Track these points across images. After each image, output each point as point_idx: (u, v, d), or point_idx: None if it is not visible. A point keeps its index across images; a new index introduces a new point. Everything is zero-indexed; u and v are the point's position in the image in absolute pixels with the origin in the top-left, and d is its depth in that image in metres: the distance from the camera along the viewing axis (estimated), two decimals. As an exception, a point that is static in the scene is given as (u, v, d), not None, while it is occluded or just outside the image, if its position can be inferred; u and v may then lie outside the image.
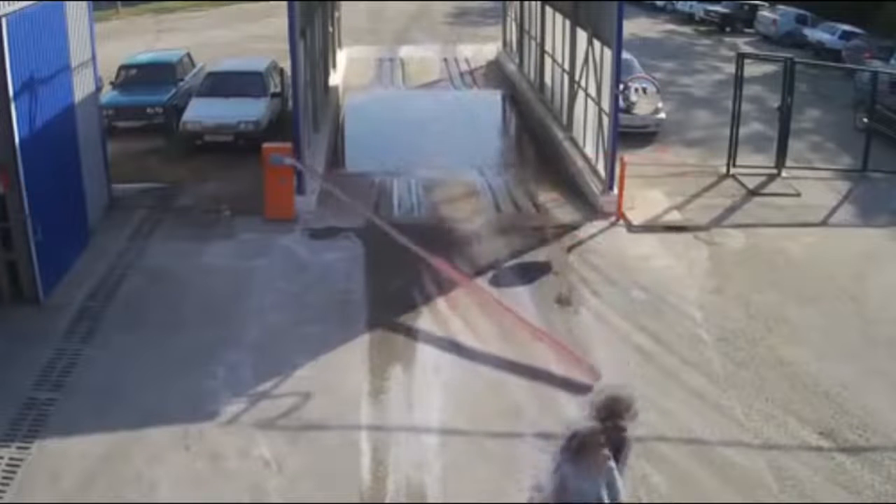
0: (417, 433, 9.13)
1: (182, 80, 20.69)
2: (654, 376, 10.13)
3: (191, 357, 10.26)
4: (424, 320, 11.38)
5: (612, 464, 6.07)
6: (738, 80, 17.05)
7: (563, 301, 11.94)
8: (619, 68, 14.87)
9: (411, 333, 11.05)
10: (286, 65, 16.25)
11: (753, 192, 16.01)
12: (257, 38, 30.94)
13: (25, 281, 11.41)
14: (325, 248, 13.49)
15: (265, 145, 14.62)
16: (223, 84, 19.17)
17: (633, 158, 16.09)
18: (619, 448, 6.15)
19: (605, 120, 15.46)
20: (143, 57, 22.10)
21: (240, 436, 8.96)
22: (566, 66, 19.05)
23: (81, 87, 13.70)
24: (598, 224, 14.50)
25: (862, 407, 9.52)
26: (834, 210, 15.33)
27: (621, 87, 15.39)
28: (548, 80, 21.83)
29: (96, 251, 13.19)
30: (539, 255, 13.41)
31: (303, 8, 16.09)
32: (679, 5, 42.40)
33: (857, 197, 15.95)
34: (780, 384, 9.97)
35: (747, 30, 36.81)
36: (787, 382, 10.01)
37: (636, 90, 19.65)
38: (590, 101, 16.94)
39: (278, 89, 19.41)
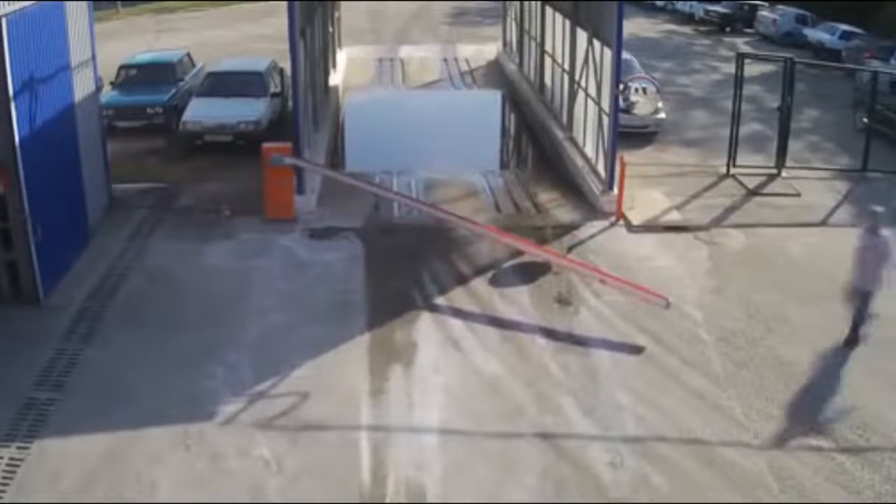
0: (417, 433, 9.14)
1: (182, 80, 20.70)
2: (654, 376, 10.14)
3: (190, 357, 10.26)
4: (424, 320, 11.38)
5: None
6: (738, 80, 17.05)
7: (563, 301, 11.94)
8: (619, 68, 14.87)
9: (411, 333, 11.05)
10: (286, 65, 16.25)
11: (753, 192, 16.01)
12: (257, 38, 30.96)
13: (25, 281, 11.41)
14: (325, 248, 13.49)
15: (265, 145, 14.61)
16: (223, 84, 19.18)
17: (633, 158, 16.09)
18: None
19: (605, 120, 15.47)
20: (143, 57, 22.10)
21: (240, 436, 8.96)
22: (566, 66, 19.05)
23: (81, 87, 13.70)
24: (598, 224, 14.50)
25: (862, 407, 9.53)
26: (834, 210, 15.33)
27: (621, 87, 15.39)
28: (548, 80, 21.83)
29: (96, 251, 13.19)
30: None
31: (303, 8, 16.10)
32: (679, 5, 42.41)
33: (856, 197, 15.94)
34: (780, 384, 9.98)
35: (747, 30, 36.81)
36: (787, 382, 10.01)
37: (636, 90, 19.66)
38: (590, 101, 16.94)
39: (278, 89, 19.41)
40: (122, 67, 20.70)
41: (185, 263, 12.83)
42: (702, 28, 38.24)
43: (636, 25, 34.35)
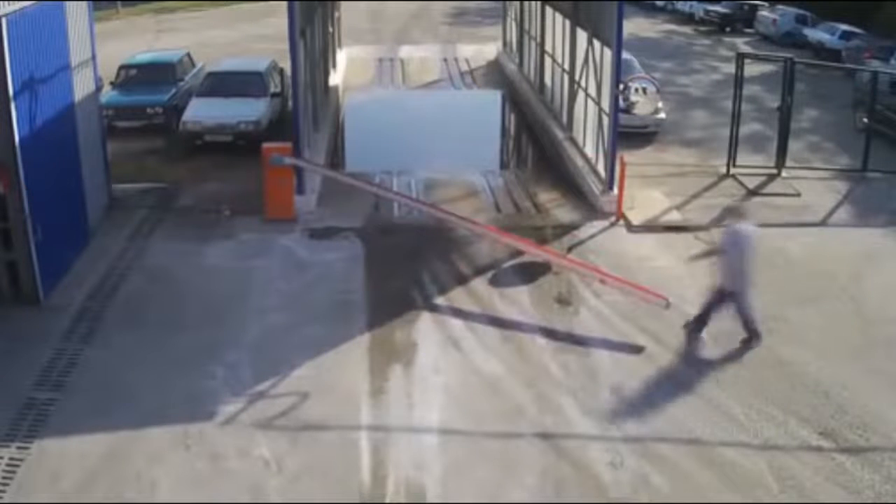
0: (417, 433, 9.14)
1: (182, 80, 20.70)
2: (654, 376, 10.14)
3: (190, 357, 10.26)
4: (424, 320, 11.38)
5: None
6: (738, 80, 17.05)
7: (563, 301, 11.94)
8: (619, 68, 14.88)
9: (411, 333, 11.05)
10: (286, 65, 16.25)
11: (753, 192, 16.01)
12: (257, 38, 30.97)
13: (25, 281, 11.41)
14: (325, 248, 13.49)
15: (265, 145, 14.62)
16: (223, 84, 19.18)
17: (633, 158, 16.09)
18: None
19: (605, 120, 15.47)
20: (143, 57, 22.11)
21: (240, 436, 8.96)
22: (566, 66, 19.05)
23: (81, 87, 13.70)
24: (598, 224, 14.50)
25: (862, 407, 9.53)
26: (833, 210, 15.33)
27: (621, 87, 15.39)
28: (548, 80, 21.84)
29: (96, 251, 13.19)
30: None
31: (303, 8, 16.10)
32: (679, 5, 42.42)
33: (856, 197, 15.96)
34: (780, 384, 9.98)
35: (747, 30, 36.82)
36: (787, 382, 10.01)
37: (636, 90, 19.66)
38: (590, 101, 16.94)
39: (278, 89, 19.42)
40: (122, 67, 20.71)
41: (185, 263, 12.83)
42: (702, 28, 38.25)
43: (636, 25, 34.36)
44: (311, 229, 14.09)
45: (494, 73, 28.26)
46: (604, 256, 13.29)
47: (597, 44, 16.39)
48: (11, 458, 8.51)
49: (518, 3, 26.96)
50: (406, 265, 12.91)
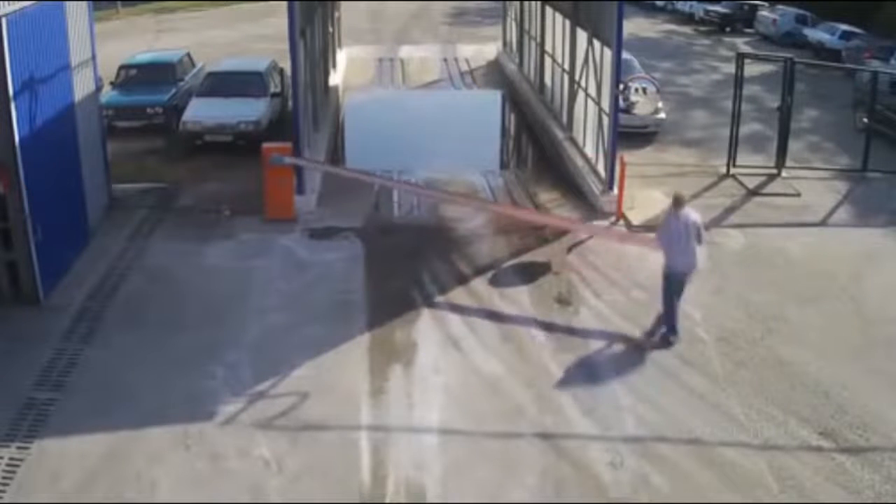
0: (417, 433, 9.14)
1: (182, 80, 20.70)
2: (654, 376, 10.14)
3: (190, 357, 10.26)
4: (424, 320, 11.38)
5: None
6: (738, 80, 17.05)
7: (563, 301, 11.94)
8: (619, 68, 14.87)
9: (411, 333, 11.05)
10: (286, 65, 16.25)
11: (753, 192, 16.01)
12: (257, 38, 30.97)
13: (25, 281, 11.41)
14: (325, 247, 13.49)
15: (265, 145, 14.62)
16: (223, 84, 19.18)
17: (633, 158, 16.09)
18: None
19: (605, 120, 15.47)
20: (143, 57, 22.11)
21: (240, 436, 8.96)
22: (566, 66, 19.05)
23: (81, 87, 13.70)
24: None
25: (862, 407, 9.53)
26: (833, 210, 15.33)
27: (621, 87, 15.39)
28: (548, 80, 21.83)
29: (96, 251, 13.19)
30: (539, 255, 13.41)
31: (303, 8, 16.10)
32: (679, 5, 42.41)
33: (856, 197, 15.96)
34: (780, 384, 9.98)
35: (747, 30, 36.81)
36: (787, 382, 10.02)
37: (636, 90, 19.66)
38: (590, 101, 16.94)
39: (278, 89, 19.42)
40: (122, 67, 20.71)
41: (185, 263, 12.83)
42: (702, 28, 38.24)
43: (636, 25, 34.36)
44: (311, 229, 14.09)
45: (494, 73, 28.26)
46: (604, 256, 13.29)
47: (597, 44, 16.39)
48: (11, 458, 8.52)
49: (518, 3, 26.96)
50: (406, 265, 12.91)
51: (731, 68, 19.49)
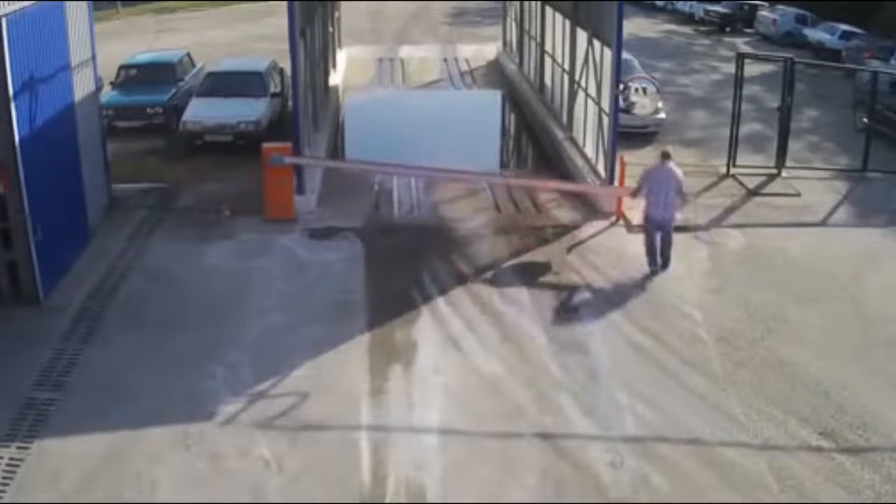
0: (417, 433, 9.14)
1: (182, 80, 20.69)
2: (655, 376, 10.14)
3: (190, 357, 10.26)
4: (424, 320, 11.38)
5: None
6: (738, 80, 17.05)
7: (563, 301, 11.93)
8: (619, 68, 14.87)
9: (411, 333, 11.05)
10: (286, 65, 16.25)
11: (753, 192, 16.01)
12: (257, 38, 30.97)
13: (25, 281, 11.41)
14: (325, 247, 13.49)
15: (265, 145, 14.61)
16: (223, 84, 19.17)
17: (633, 158, 16.07)
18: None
19: (605, 120, 15.47)
20: (143, 57, 22.10)
21: (240, 436, 8.96)
22: (566, 66, 19.05)
23: (81, 87, 13.70)
24: (598, 224, 14.49)
25: (862, 407, 9.53)
26: (833, 210, 15.33)
27: (621, 87, 15.39)
28: (548, 80, 21.83)
29: (96, 251, 13.19)
30: (539, 255, 13.42)
31: (303, 8, 16.10)
32: (679, 5, 42.41)
33: (856, 197, 15.96)
34: (780, 384, 9.98)
35: (747, 30, 36.81)
36: (787, 382, 10.02)
37: (636, 90, 19.65)
38: (590, 101, 16.94)
39: (278, 89, 19.41)
40: (122, 67, 20.70)
41: (185, 263, 12.83)
42: (702, 28, 38.24)
43: (636, 25, 34.35)
44: (311, 229, 14.09)
45: (494, 73, 28.24)
46: (604, 256, 13.29)
47: (597, 44, 16.39)
48: (11, 458, 8.51)
49: (518, 3, 26.94)
50: (406, 265, 12.91)
51: (731, 68, 19.50)
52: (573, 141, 18.19)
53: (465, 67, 28.93)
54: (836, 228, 14.60)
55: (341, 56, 27.64)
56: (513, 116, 23.85)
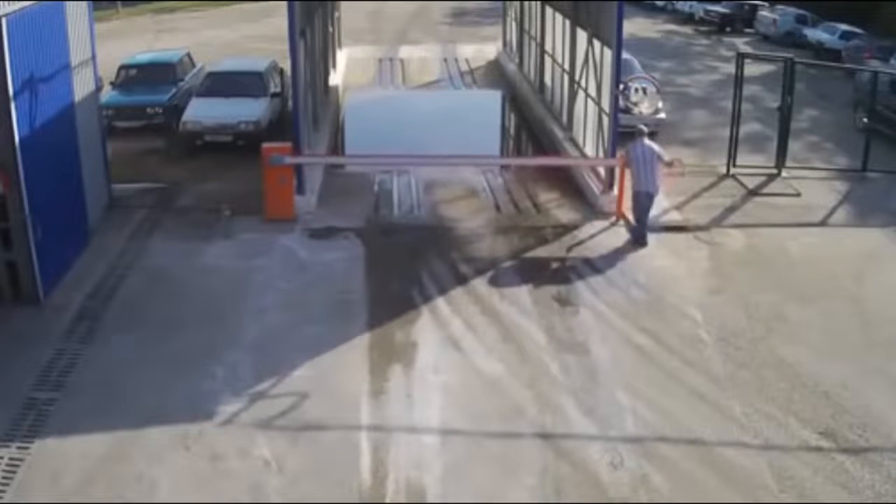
0: (417, 433, 9.14)
1: (182, 80, 20.68)
2: (655, 376, 10.14)
3: (190, 357, 10.26)
4: (424, 320, 11.38)
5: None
6: (738, 80, 17.05)
7: (563, 301, 11.94)
8: (619, 68, 14.87)
9: (411, 333, 11.05)
10: (286, 65, 16.25)
11: (753, 192, 16.01)
12: (257, 38, 30.98)
13: (25, 281, 11.41)
14: (325, 248, 13.49)
15: (265, 145, 14.61)
16: (223, 84, 19.16)
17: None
18: None
19: (605, 120, 15.47)
20: (143, 57, 22.09)
21: (240, 436, 8.97)
22: (566, 66, 19.05)
23: (81, 87, 13.70)
24: (598, 224, 14.49)
25: (862, 407, 9.53)
26: (834, 210, 15.33)
27: (621, 87, 15.39)
28: (548, 80, 21.83)
29: (96, 251, 13.19)
30: (539, 255, 13.41)
31: (303, 8, 16.09)
32: (679, 5, 42.43)
33: (856, 197, 15.96)
34: (780, 384, 9.98)
35: (747, 30, 36.84)
36: (788, 382, 10.02)
37: (636, 90, 19.64)
38: (590, 100, 16.94)
39: (278, 89, 19.41)
40: (122, 67, 20.69)
41: (185, 263, 12.83)
42: (702, 28, 38.26)
43: (636, 25, 34.35)
44: (311, 229, 14.09)
45: (494, 73, 28.25)
46: (604, 256, 13.29)
47: (597, 44, 16.39)
48: (11, 458, 8.52)
49: (518, 3, 26.95)
50: (406, 265, 12.91)
51: (730, 68, 19.50)
52: (573, 141, 18.19)
53: (465, 67, 28.95)
54: (836, 228, 14.60)
55: (341, 56, 27.64)
56: (513, 116, 23.87)
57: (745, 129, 17.58)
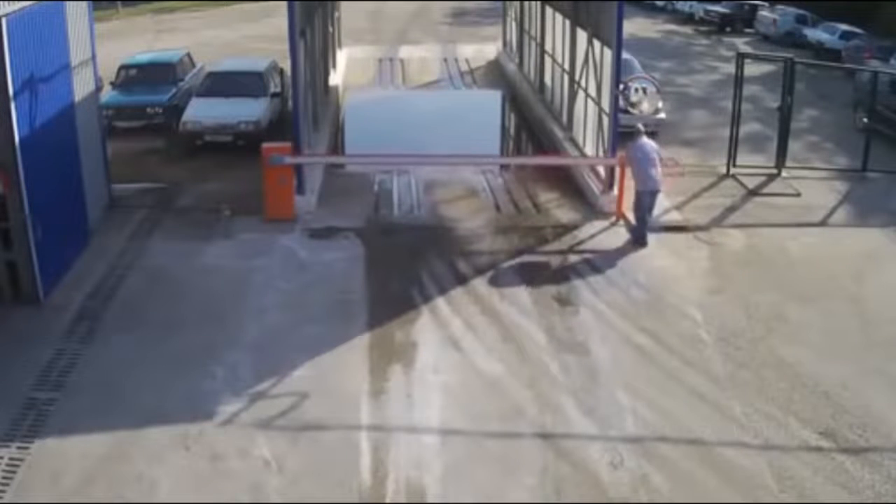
0: (417, 433, 9.14)
1: (182, 80, 20.69)
2: (655, 376, 10.14)
3: (190, 357, 10.26)
4: (424, 320, 11.38)
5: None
6: (738, 80, 17.05)
7: (563, 301, 11.94)
8: (619, 68, 14.88)
9: (411, 333, 11.05)
10: (286, 65, 16.25)
11: (753, 192, 16.01)
12: (257, 38, 30.98)
13: (25, 281, 11.41)
14: (325, 248, 13.49)
15: (265, 145, 14.61)
16: (223, 84, 19.17)
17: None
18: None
19: (605, 120, 15.47)
20: (143, 57, 22.09)
21: (240, 436, 8.97)
22: (566, 66, 19.05)
23: (81, 87, 13.70)
24: (598, 224, 14.49)
25: (862, 407, 9.53)
26: (834, 210, 15.33)
27: (621, 87, 15.39)
28: (548, 80, 21.83)
29: (96, 251, 13.19)
30: (539, 255, 13.42)
31: (303, 8, 16.10)
32: (679, 5, 42.43)
33: (856, 197, 15.96)
34: (780, 384, 9.98)
35: (747, 30, 36.83)
36: (788, 382, 10.02)
37: (636, 90, 19.64)
38: (590, 100, 16.94)
39: (278, 89, 19.41)
40: (122, 67, 20.69)
41: (185, 263, 12.83)
42: (702, 28, 38.26)
43: (636, 25, 34.36)
44: (311, 229, 14.09)
45: (494, 73, 28.26)
46: (604, 256, 13.29)
47: (597, 44, 16.39)
48: (11, 458, 8.52)
49: (518, 3, 26.95)
50: (406, 265, 12.91)
51: (730, 68, 19.50)
52: (573, 141, 18.19)
53: (465, 67, 28.97)
54: (836, 228, 14.60)
55: (341, 56, 27.65)
56: (513, 116, 23.88)
57: (745, 129, 17.58)
